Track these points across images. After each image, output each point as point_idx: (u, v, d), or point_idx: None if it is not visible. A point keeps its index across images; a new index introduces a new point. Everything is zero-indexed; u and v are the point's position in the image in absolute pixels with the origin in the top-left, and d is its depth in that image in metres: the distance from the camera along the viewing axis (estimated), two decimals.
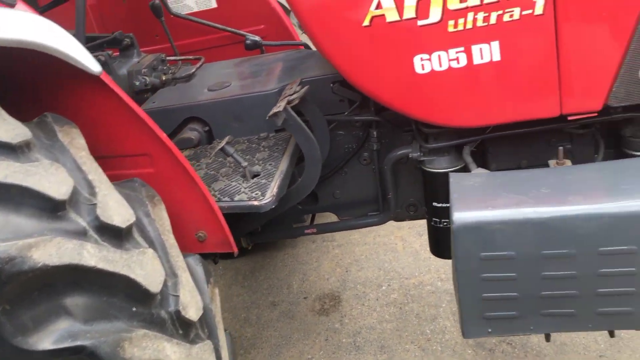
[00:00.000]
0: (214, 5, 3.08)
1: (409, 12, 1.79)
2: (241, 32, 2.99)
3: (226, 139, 2.03)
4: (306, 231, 2.50)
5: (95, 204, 1.51)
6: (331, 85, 2.25)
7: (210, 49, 3.12)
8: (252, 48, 2.74)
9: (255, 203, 1.91)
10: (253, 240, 2.55)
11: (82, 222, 1.46)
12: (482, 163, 2.17)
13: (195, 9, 3.09)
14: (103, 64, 2.35)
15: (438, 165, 2.14)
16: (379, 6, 1.80)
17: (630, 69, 1.75)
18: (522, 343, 2.85)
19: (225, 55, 3.00)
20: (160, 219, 1.74)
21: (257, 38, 2.83)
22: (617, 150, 2.06)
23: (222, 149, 2.02)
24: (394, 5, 1.79)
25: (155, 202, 1.78)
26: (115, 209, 1.55)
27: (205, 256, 2.19)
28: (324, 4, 1.88)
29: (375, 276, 3.54)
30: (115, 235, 1.52)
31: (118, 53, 2.66)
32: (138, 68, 2.49)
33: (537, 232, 1.62)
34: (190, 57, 2.84)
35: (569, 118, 1.86)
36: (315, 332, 3.20)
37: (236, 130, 2.33)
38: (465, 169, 2.08)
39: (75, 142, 1.62)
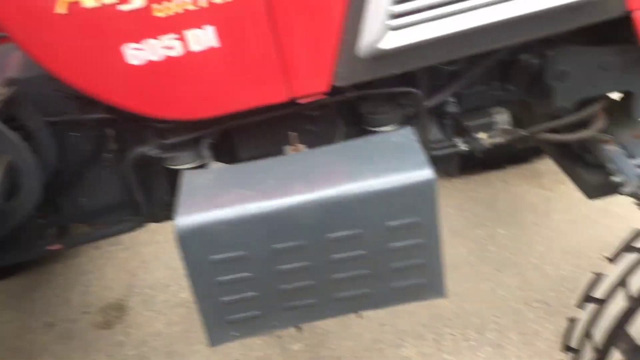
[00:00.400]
0: None
1: None
2: None
3: None
4: (49, 247, 2.21)
5: None
6: (51, 81, 1.96)
7: None
8: None
9: None
10: None
11: None
12: (231, 154, 2.05)
13: None
14: None
15: (180, 162, 1.98)
16: None
17: (348, 46, 1.71)
18: (308, 325, 2.84)
19: None
20: None
21: None
22: (359, 128, 2.05)
23: None
24: None
25: None
26: None
27: None
28: None
29: (164, 276, 3.33)
30: None
31: None
32: None
33: (264, 228, 1.53)
34: None
35: (299, 101, 1.79)
36: (96, 349, 2.92)
37: None
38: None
39: None
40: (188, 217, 1.52)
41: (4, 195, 1.83)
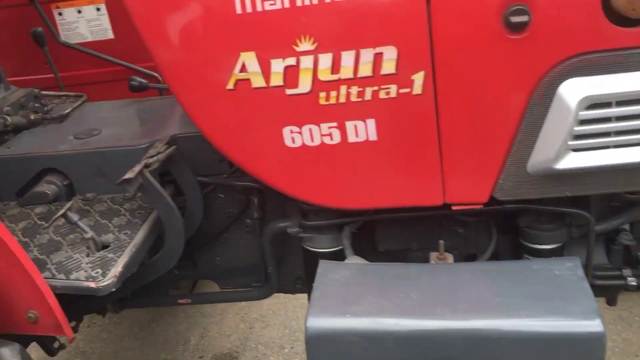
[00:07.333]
0: (111, 36, 2.81)
1: (276, 79, 1.56)
2: (136, 67, 2.73)
3: (68, 204, 1.76)
4: (180, 301, 2.24)
5: None
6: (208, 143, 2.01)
7: (106, 83, 2.85)
8: (136, 90, 2.47)
9: (92, 285, 1.63)
10: (121, 306, 2.27)
11: None
12: (370, 242, 1.96)
13: (90, 39, 2.82)
14: None
15: (318, 244, 1.92)
16: (243, 69, 1.57)
17: (517, 161, 1.55)
18: None
19: (121, 90, 2.74)
20: None
21: (151, 79, 2.56)
22: (513, 237, 1.87)
23: (63, 216, 1.74)
24: (259, 70, 1.56)
25: None
26: None
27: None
28: (185, 60, 1.64)
29: (280, 335, 3.27)
30: None
31: None
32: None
33: (398, 348, 1.40)
34: (71, 93, 2.56)
35: (453, 208, 1.66)
36: None
37: (100, 186, 2.05)
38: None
39: None
40: (320, 320, 1.44)
41: (148, 250, 1.87)
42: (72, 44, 2.73)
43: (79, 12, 2.76)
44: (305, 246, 1.94)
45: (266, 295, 2.22)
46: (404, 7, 1.46)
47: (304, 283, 2.21)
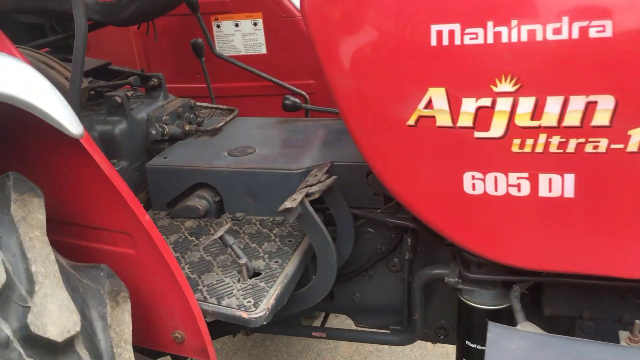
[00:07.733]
0: (264, 51, 2.80)
1: (465, 119, 1.42)
2: (286, 84, 2.69)
3: (226, 226, 1.71)
4: (314, 333, 2.14)
5: (28, 307, 1.21)
6: (367, 175, 1.90)
7: (254, 97, 2.84)
8: (290, 109, 2.42)
9: (244, 315, 1.57)
10: (253, 330, 2.21)
11: (7, 329, 1.17)
12: (535, 303, 1.77)
13: (243, 52, 2.82)
14: (118, 106, 2.10)
15: (478, 299, 1.75)
16: (429, 105, 1.44)
17: None
18: None
19: (269, 105, 2.72)
20: (119, 325, 1.43)
21: (299, 98, 2.51)
22: None
23: (220, 238, 1.70)
24: (447, 108, 1.42)
25: (119, 300, 1.47)
26: (55, 315, 1.25)
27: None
28: (364, 88, 1.53)
29: None
30: (48, 350, 1.22)
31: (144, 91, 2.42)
32: (159, 114, 2.23)
33: None
34: (223, 106, 2.57)
35: None
36: None
37: (250, 207, 2.01)
38: (511, 313, 1.67)
39: (30, 217, 1.33)
40: None
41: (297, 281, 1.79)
42: (225, 56, 2.73)
43: (237, 25, 2.77)
44: (463, 299, 1.77)
45: (408, 342, 2.08)
46: (629, 54, 1.27)
47: (447, 333, 2.05)
